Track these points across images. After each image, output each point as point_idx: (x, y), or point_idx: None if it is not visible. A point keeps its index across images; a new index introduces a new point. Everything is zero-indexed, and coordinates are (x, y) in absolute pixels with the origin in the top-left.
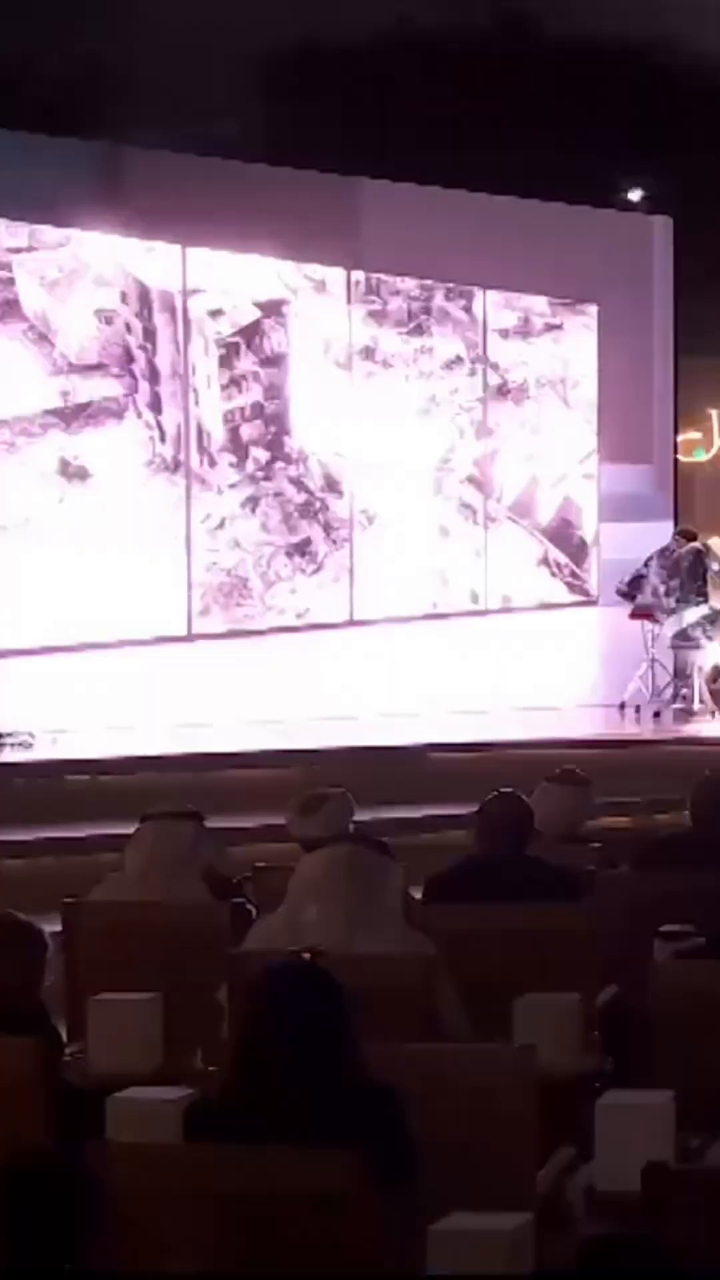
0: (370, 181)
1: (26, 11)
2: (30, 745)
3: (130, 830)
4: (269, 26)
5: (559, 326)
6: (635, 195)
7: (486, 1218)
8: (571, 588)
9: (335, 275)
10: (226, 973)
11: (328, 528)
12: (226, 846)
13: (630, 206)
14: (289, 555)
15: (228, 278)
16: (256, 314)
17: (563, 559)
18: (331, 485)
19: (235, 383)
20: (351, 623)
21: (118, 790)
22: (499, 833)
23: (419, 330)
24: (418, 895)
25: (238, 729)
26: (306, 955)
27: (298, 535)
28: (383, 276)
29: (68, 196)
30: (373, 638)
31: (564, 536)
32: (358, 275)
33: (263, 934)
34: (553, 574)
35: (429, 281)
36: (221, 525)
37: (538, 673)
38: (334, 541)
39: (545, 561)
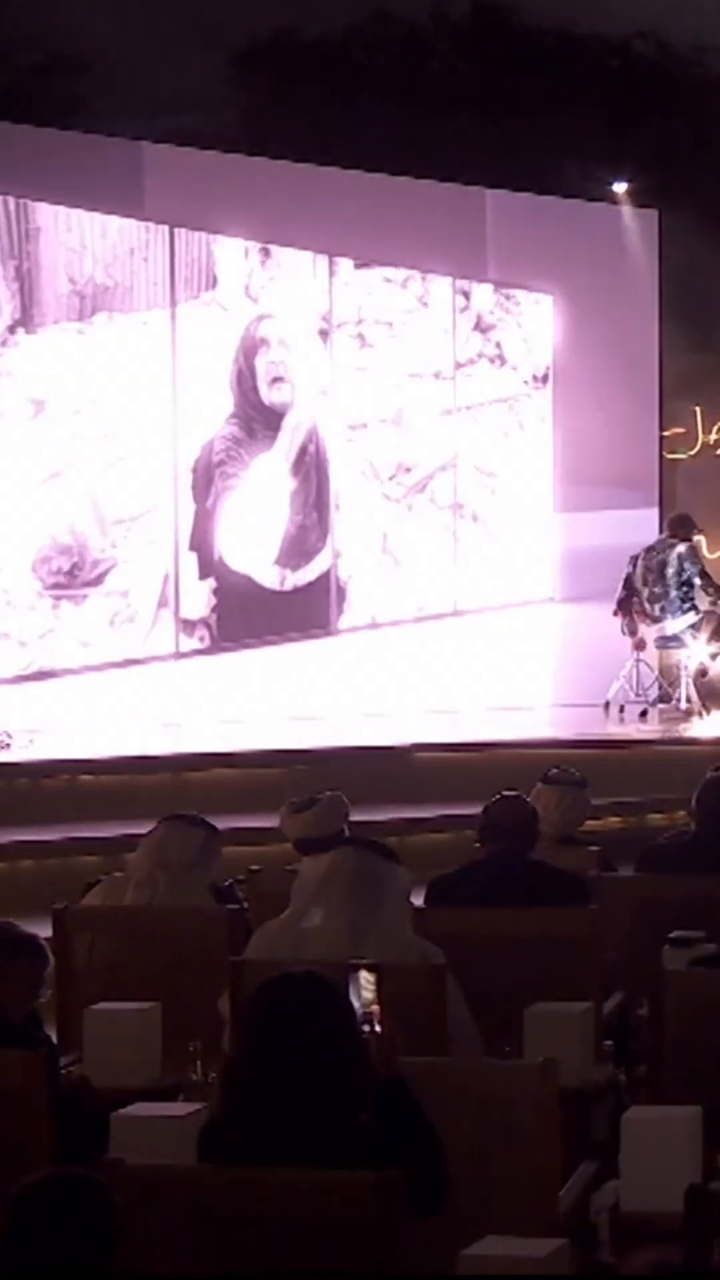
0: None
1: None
2: (7, 746)
3: (110, 833)
4: (246, 18)
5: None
6: (620, 188)
7: (520, 1243)
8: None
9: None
10: (228, 981)
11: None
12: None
13: (613, 199)
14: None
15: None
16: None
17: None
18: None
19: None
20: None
21: (97, 792)
22: (503, 836)
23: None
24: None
25: (220, 729)
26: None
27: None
28: (370, 300)
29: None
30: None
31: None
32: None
33: (265, 941)
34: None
35: (408, 287)
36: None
37: (510, 671)
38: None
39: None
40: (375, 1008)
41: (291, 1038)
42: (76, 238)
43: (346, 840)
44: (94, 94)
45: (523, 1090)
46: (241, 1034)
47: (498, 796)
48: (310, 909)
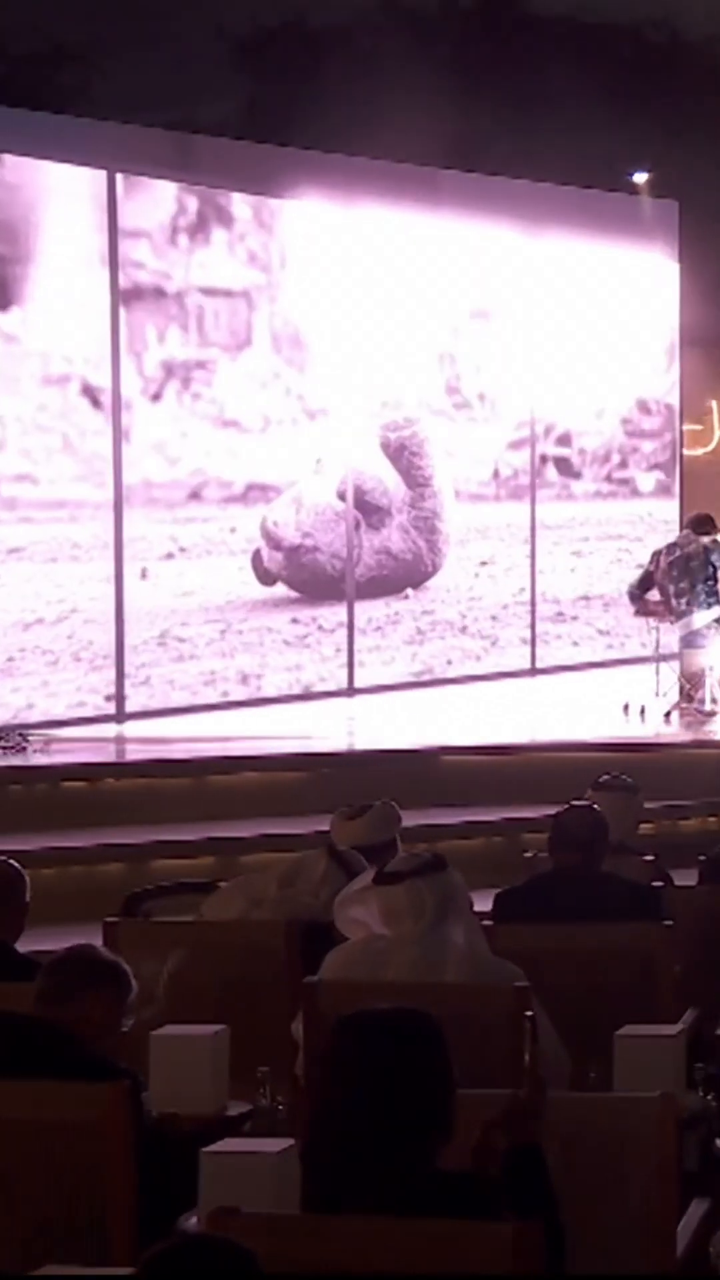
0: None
1: None
2: (24, 748)
3: (135, 839)
4: (251, 5)
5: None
6: (640, 178)
7: None
8: None
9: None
10: (302, 1003)
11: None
12: (237, 856)
13: (633, 190)
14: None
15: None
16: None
17: None
18: None
19: None
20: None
21: (120, 796)
22: (575, 847)
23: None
24: None
25: (244, 732)
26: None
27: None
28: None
29: None
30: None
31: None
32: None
33: (340, 962)
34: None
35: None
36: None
37: None
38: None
39: None
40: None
41: (378, 1086)
42: None
43: (406, 873)
44: (95, 83)
45: (638, 1125)
46: (324, 1079)
47: (567, 806)
48: (387, 930)
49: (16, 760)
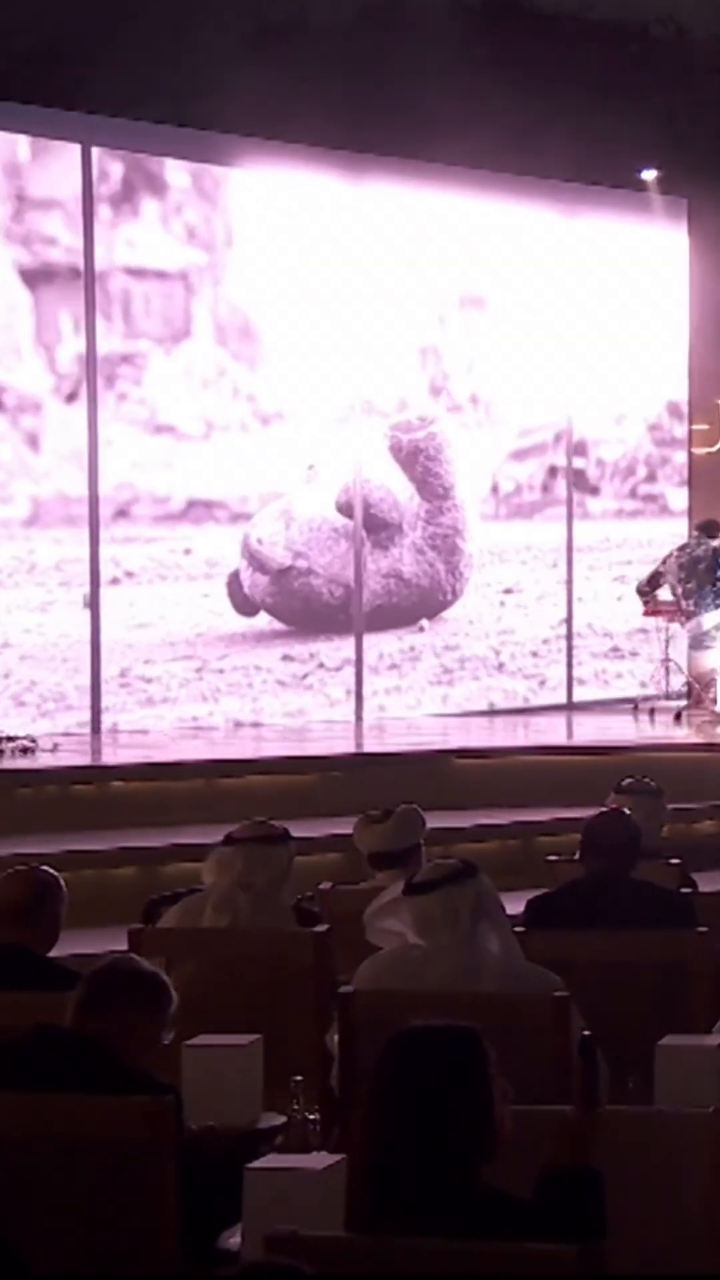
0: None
1: None
2: (31, 751)
3: (144, 842)
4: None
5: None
6: (649, 175)
7: None
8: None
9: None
10: (337, 1014)
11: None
12: None
13: (641, 187)
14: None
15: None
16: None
17: None
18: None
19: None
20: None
21: (129, 799)
22: (605, 853)
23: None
24: None
25: (252, 734)
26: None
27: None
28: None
29: None
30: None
31: None
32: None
33: (375, 972)
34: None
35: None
36: None
37: None
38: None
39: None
40: None
41: (426, 1105)
42: None
43: (438, 881)
44: (97, 78)
45: (688, 1140)
46: (371, 1097)
47: (599, 812)
48: (423, 940)
49: (24, 763)
